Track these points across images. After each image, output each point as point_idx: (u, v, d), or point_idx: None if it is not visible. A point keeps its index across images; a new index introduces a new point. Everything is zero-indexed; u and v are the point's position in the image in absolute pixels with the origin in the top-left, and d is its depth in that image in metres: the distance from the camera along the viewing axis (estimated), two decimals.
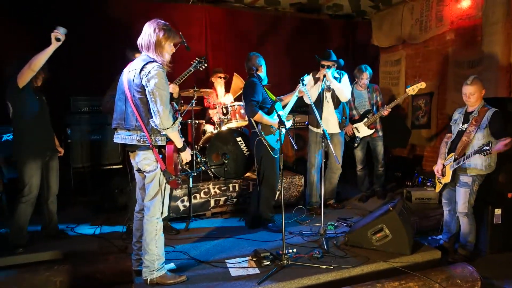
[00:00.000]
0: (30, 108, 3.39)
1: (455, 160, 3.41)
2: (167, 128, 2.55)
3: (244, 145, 4.71)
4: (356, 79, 4.92)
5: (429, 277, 2.92)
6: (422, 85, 4.43)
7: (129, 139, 2.65)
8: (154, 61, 2.59)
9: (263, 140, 3.76)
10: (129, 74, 2.65)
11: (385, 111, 4.70)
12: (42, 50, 3.09)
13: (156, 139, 2.62)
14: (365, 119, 4.85)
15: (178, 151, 2.75)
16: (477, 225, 3.54)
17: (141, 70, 2.55)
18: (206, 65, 4.13)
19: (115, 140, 2.74)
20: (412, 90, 4.47)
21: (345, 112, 4.59)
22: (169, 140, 2.68)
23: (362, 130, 4.89)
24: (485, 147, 3.07)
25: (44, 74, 3.49)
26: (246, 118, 4.29)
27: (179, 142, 2.69)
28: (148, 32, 2.62)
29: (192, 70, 3.99)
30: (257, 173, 3.96)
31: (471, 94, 3.37)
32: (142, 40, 2.65)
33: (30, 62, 3.13)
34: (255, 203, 4.00)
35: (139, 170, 2.78)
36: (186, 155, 2.83)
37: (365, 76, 4.81)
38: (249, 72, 3.94)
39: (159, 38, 2.60)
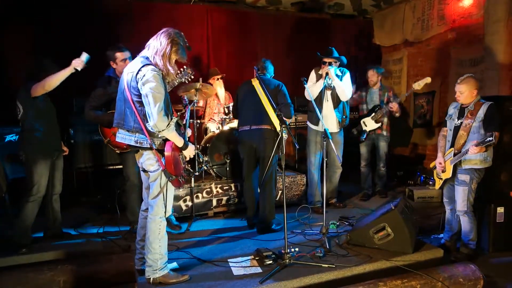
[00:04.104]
0: (40, 109, 3.44)
1: (455, 155, 3.41)
2: (162, 130, 2.54)
3: None
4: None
5: (432, 275, 2.92)
6: (427, 80, 4.54)
7: (128, 140, 2.66)
8: (151, 63, 2.57)
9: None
10: (127, 75, 2.64)
11: (393, 104, 4.80)
12: (58, 72, 3.27)
13: (154, 140, 2.62)
14: (373, 114, 4.96)
15: (180, 149, 2.74)
16: (479, 223, 3.54)
17: (137, 73, 2.55)
18: (192, 77, 3.89)
19: (117, 139, 2.75)
20: (418, 85, 4.56)
21: (345, 111, 4.57)
22: (167, 140, 2.66)
23: (369, 124, 5.00)
24: (489, 138, 3.07)
25: None
26: None
27: (178, 141, 2.68)
28: (162, 40, 2.60)
29: (176, 84, 3.83)
30: (265, 174, 3.76)
31: (461, 93, 3.42)
32: (154, 44, 2.63)
33: (45, 81, 3.28)
34: (261, 208, 3.84)
35: (144, 170, 2.79)
36: (188, 152, 2.80)
37: (370, 74, 5.02)
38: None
39: (171, 50, 2.59)
